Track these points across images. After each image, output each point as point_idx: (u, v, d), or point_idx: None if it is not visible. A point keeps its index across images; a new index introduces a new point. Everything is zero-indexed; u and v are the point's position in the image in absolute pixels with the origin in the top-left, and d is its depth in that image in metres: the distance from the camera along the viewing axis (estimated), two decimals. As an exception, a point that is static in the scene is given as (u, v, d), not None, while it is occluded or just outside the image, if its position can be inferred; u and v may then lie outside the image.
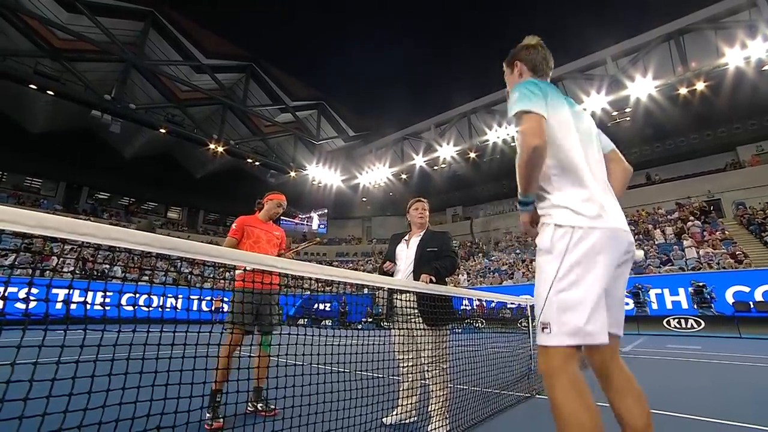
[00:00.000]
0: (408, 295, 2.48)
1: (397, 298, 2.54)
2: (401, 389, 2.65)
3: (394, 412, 2.57)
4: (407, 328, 2.53)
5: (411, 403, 2.60)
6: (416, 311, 2.50)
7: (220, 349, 2.49)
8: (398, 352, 2.60)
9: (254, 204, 3.25)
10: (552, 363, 1.26)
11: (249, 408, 2.74)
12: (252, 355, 2.49)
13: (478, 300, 8.40)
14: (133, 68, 18.66)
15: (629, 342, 8.92)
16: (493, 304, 8.16)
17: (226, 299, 2.61)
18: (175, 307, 1.52)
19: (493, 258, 21.04)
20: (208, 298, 1.71)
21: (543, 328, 1.31)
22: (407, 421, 2.56)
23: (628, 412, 1.31)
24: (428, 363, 2.54)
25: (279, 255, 3.21)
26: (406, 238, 2.96)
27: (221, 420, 2.40)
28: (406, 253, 2.86)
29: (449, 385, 2.51)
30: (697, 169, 20.50)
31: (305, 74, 23.50)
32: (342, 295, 16.85)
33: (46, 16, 15.92)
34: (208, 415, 2.39)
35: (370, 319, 16.28)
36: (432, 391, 2.48)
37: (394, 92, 25.84)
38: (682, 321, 11.14)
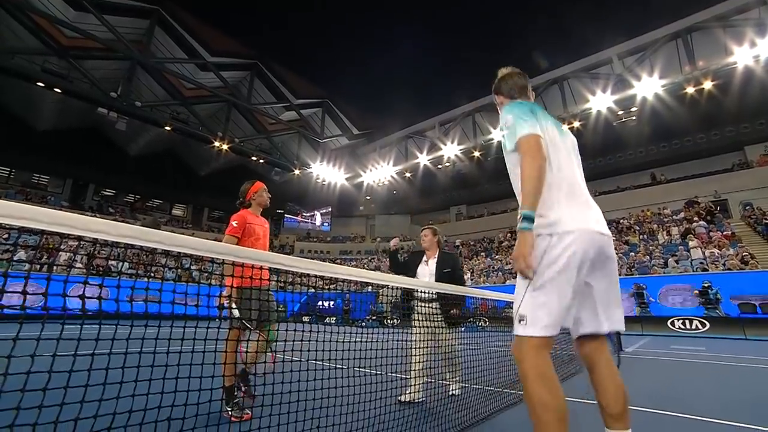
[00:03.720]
0: (433, 303, 3.21)
1: (419, 305, 3.16)
2: (413, 375, 3.12)
3: (408, 391, 3.10)
4: (427, 326, 3.11)
5: (420, 384, 3.12)
6: (439, 314, 3.16)
7: (227, 344, 2.52)
8: (416, 348, 3.09)
9: (245, 203, 3.03)
10: (524, 351, 1.41)
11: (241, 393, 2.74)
12: (249, 351, 2.59)
13: (482, 299, 8.38)
14: (138, 66, 18.77)
15: (633, 342, 8.88)
16: (492, 304, 8.17)
17: (225, 295, 2.59)
18: (184, 303, 1.55)
19: (496, 257, 21.00)
20: (216, 294, 1.74)
21: (520, 320, 1.45)
22: (417, 399, 3.09)
23: (607, 399, 1.47)
24: (446, 353, 3.27)
25: None
26: (425, 259, 3.70)
27: (249, 412, 2.37)
28: (427, 272, 3.59)
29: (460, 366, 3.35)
30: (703, 169, 20.30)
31: (310, 72, 23.54)
32: (346, 292, 16.92)
33: (54, 15, 16.06)
34: (227, 409, 2.41)
35: (374, 317, 16.33)
36: (450, 371, 3.35)
37: (398, 91, 25.84)
38: (687, 322, 11.09)
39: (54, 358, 1.04)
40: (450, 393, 3.27)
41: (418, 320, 3.09)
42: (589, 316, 1.52)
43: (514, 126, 1.55)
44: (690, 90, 16.24)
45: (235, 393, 2.52)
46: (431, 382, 3.32)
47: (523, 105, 1.62)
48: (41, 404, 1.02)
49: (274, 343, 2.77)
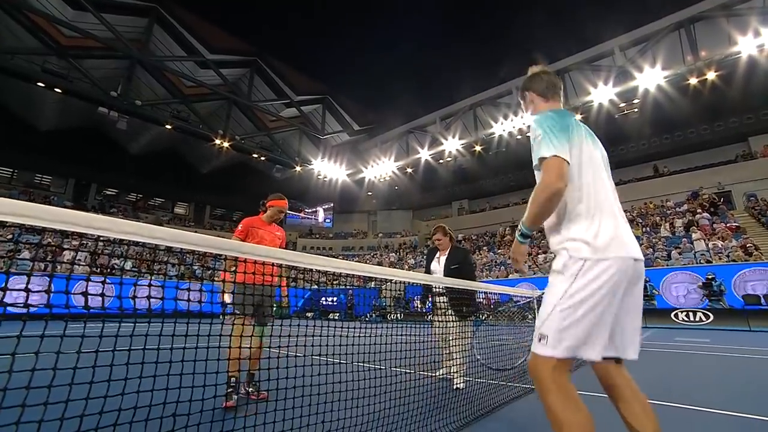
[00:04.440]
0: (444, 297, 3.56)
1: (437, 300, 3.63)
2: (443, 358, 3.76)
3: (441, 369, 3.77)
4: (444, 321, 3.55)
5: (449, 365, 3.64)
6: (448, 308, 3.48)
7: (231, 340, 2.56)
8: (439, 338, 3.74)
9: (259, 200, 3.40)
10: (543, 371, 1.36)
11: (242, 392, 2.91)
12: (245, 346, 2.63)
13: (485, 293, 8.43)
14: (138, 65, 18.73)
15: (636, 335, 8.89)
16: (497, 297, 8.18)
17: (227, 292, 2.85)
18: (188, 300, 1.55)
19: (499, 251, 20.99)
20: (219, 291, 1.74)
21: (540, 338, 1.40)
22: (449, 376, 3.62)
23: (637, 420, 1.38)
24: (455, 344, 3.48)
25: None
26: (437, 256, 4.08)
27: (234, 399, 2.69)
28: (438, 269, 3.93)
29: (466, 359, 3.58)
30: (707, 161, 20.16)
31: (310, 69, 23.45)
32: (349, 288, 16.96)
33: (52, 14, 16.02)
34: (234, 397, 2.71)
35: (377, 313, 16.38)
36: (456, 363, 3.52)
37: (399, 85, 25.72)
38: (691, 314, 11.07)
39: (58, 356, 1.04)
40: (454, 387, 3.41)
41: (438, 314, 3.57)
42: (613, 340, 1.44)
43: (540, 143, 1.48)
44: (693, 81, 16.09)
45: (240, 392, 2.81)
46: (436, 377, 3.71)
47: (558, 118, 1.53)
48: (46, 401, 1.02)
49: (268, 338, 2.84)
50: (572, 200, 1.48)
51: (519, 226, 1.56)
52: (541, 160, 1.46)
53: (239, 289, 2.76)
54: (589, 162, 1.52)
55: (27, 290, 1.08)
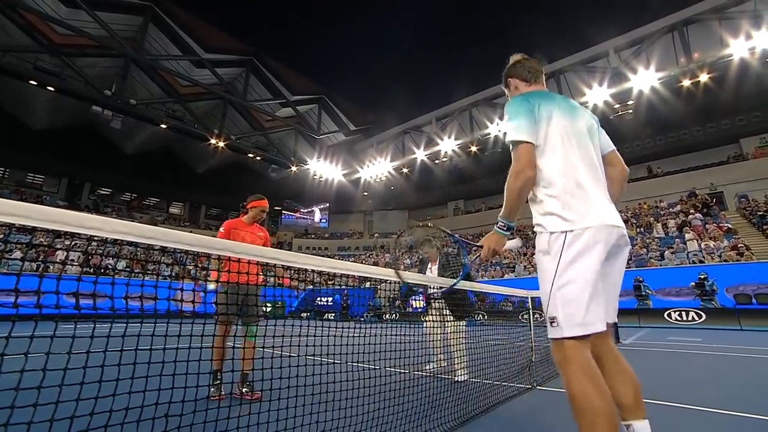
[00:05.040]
0: (441, 301, 3.89)
1: (433, 300, 3.96)
2: (434, 352, 4.00)
3: (433, 363, 3.92)
4: (437, 320, 3.89)
5: (441, 359, 3.91)
6: (445, 307, 3.77)
7: (214, 339, 2.64)
8: (431, 334, 4.05)
9: (245, 211, 3.49)
10: (563, 353, 1.37)
11: (236, 393, 2.93)
12: (237, 346, 2.86)
13: (480, 293, 8.50)
14: (132, 63, 18.58)
15: (630, 334, 8.96)
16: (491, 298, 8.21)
17: (209, 291, 2.95)
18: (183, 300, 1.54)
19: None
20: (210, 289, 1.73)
21: (551, 323, 1.41)
22: (439, 370, 3.84)
23: (618, 390, 1.40)
24: (454, 339, 3.68)
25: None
26: (429, 266, 4.29)
27: (223, 394, 2.87)
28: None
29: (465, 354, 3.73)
30: (700, 162, 20.37)
31: (306, 68, 23.40)
32: (344, 288, 16.94)
33: (45, 12, 15.85)
34: (212, 389, 2.89)
35: (372, 313, 16.37)
36: (457, 357, 3.66)
37: (395, 86, 25.79)
38: (683, 313, 11.18)
39: (70, 356, 1.03)
40: (455, 379, 3.57)
41: (432, 314, 3.94)
42: (606, 308, 1.47)
43: (509, 125, 1.53)
44: (686, 83, 16.26)
45: (218, 377, 2.96)
46: (434, 374, 3.85)
47: (526, 101, 1.57)
48: (60, 399, 1.01)
49: (262, 338, 2.88)
50: (545, 175, 1.51)
51: (499, 220, 1.59)
52: (512, 146, 1.52)
53: (223, 288, 2.86)
54: (562, 134, 1.53)
55: (15, 291, 1.07)
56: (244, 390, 2.93)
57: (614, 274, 1.52)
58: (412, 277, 2.37)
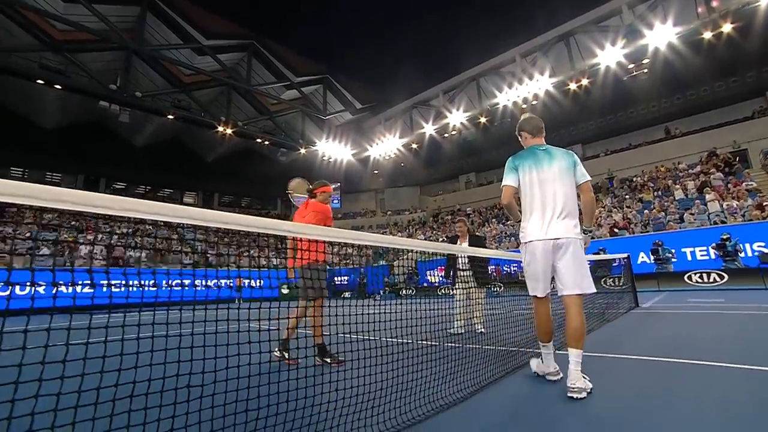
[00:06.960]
0: (466, 271, 4.56)
1: (459, 273, 4.82)
2: (456, 314, 4.92)
3: (456, 325, 4.82)
4: (464, 287, 4.77)
5: (463, 320, 4.88)
6: (471, 276, 4.48)
7: (314, 310, 3.30)
8: (458, 299, 4.97)
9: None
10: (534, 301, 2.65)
11: (317, 361, 3.16)
12: (308, 317, 3.33)
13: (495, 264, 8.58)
14: (134, 55, 18.52)
15: (649, 299, 8.89)
16: (506, 267, 8.23)
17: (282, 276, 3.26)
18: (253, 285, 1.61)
19: (508, 223, 20.92)
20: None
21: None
22: (461, 331, 4.82)
23: (567, 329, 2.44)
24: (475, 301, 4.87)
25: None
26: (459, 242, 5.30)
27: (296, 359, 3.11)
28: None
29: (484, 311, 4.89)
30: (721, 119, 19.48)
31: (308, 49, 22.88)
32: (361, 267, 17.17)
33: (44, 8, 15.81)
34: (285, 354, 3.23)
35: (389, 289, 16.62)
36: (477, 315, 4.91)
37: (400, 60, 24.97)
38: (705, 275, 10.99)
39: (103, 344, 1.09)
40: (478, 331, 4.75)
41: (459, 284, 4.84)
42: (559, 285, 2.51)
43: (504, 176, 2.70)
44: (707, 35, 15.38)
45: (288, 345, 3.29)
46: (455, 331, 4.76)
47: (513, 163, 2.66)
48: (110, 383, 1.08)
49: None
50: (523, 205, 2.62)
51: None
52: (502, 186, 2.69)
53: (314, 266, 3.17)
54: (533, 182, 2.54)
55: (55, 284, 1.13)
56: (286, 355, 3.23)
57: (559, 265, 2.48)
58: (471, 250, 3.19)
